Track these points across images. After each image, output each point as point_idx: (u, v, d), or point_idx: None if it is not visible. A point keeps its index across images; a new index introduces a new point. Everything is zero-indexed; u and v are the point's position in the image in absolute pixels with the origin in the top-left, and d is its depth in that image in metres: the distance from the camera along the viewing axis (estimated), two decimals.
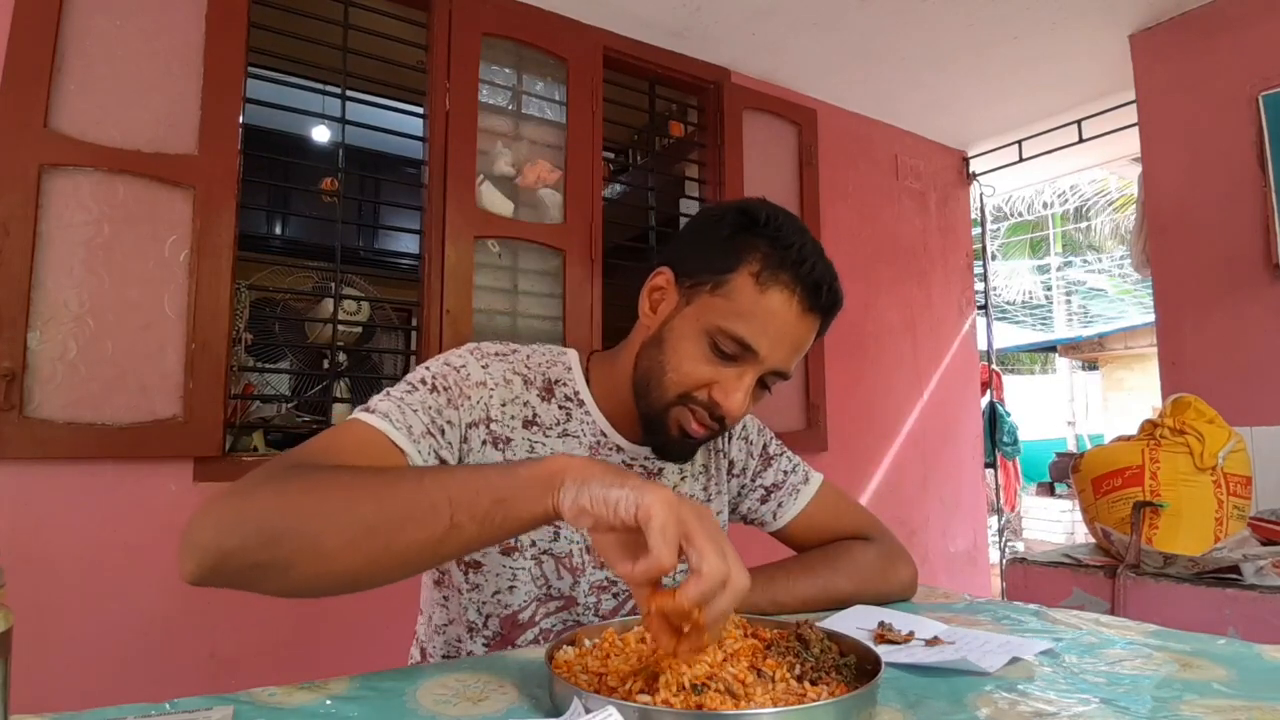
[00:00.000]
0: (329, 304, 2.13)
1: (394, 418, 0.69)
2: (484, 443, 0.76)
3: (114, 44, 1.69)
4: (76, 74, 1.64)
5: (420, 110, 2.21)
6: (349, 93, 2.06)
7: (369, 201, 3.88)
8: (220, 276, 1.74)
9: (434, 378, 0.75)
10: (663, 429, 0.76)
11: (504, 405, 0.78)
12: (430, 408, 0.72)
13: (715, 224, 0.77)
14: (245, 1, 1.84)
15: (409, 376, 0.75)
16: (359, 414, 0.69)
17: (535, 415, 0.80)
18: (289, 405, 2.31)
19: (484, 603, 0.78)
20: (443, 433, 0.72)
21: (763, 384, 0.76)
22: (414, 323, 2.22)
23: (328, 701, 0.53)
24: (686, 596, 0.46)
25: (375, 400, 0.71)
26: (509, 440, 0.77)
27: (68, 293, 1.59)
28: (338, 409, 2.17)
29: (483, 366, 0.78)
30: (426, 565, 0.56)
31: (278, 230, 4.30)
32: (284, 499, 0.55)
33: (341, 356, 2.19)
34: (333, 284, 2.11)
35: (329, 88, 2.17)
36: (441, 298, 2.05)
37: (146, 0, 1.73)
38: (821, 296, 0.73)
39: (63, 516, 1.58)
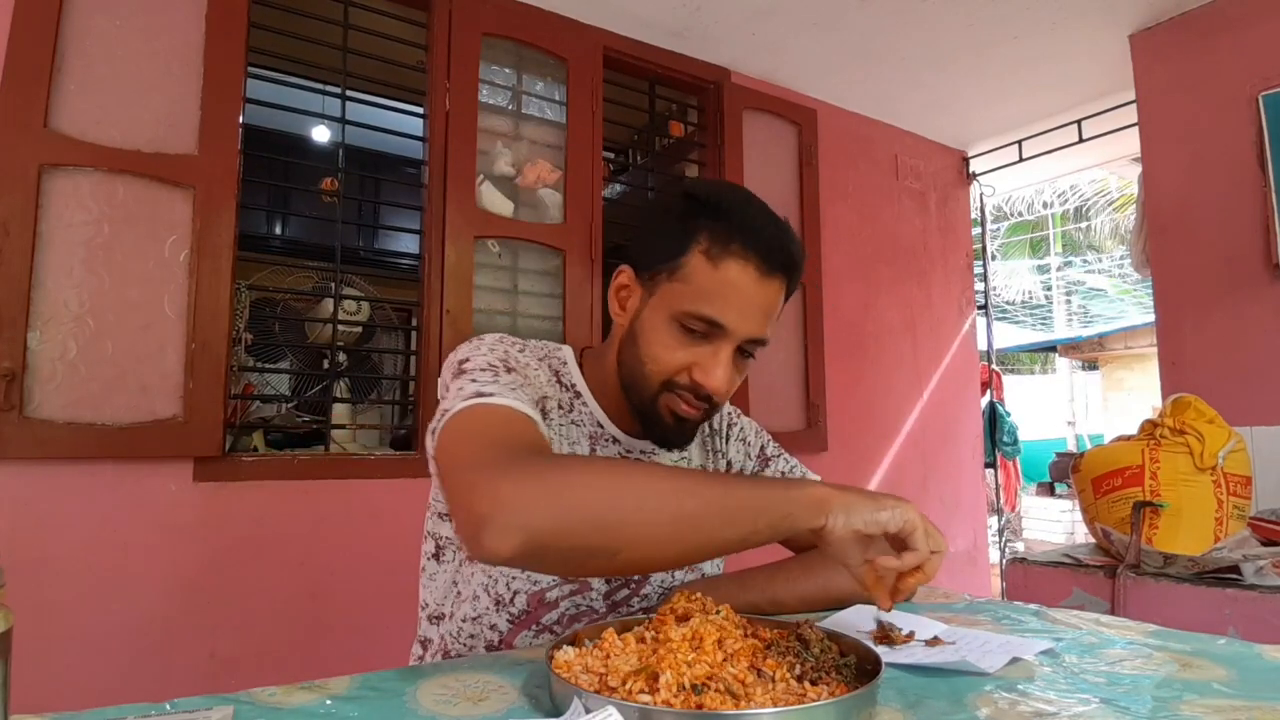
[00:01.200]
0: (329, 304, 2.13)
1: (507, 396, 0.68)
2: (544, 415, 0.78)
3: (114, 44, 1.69)
4: (76, 74, 1.64)
5: (420, 110, 2.21)
6: (349, 93, 2.06)
7: (369, 201, 3.87)
8: (220, 276, 1.74)
9: (499, 361, 0.74)
10: (657, 418, 0.78)
11: (541, 385, 0.80)
12: (517, 385, 0.72)
13: (663, 214, 0.79)
14: (245, 1, 1.84)
15: (472, 367, 0.73)
16: (476, 401, 0.67)
17: (552, 399, 0.83)
18: (289, 405, 2.31)
19: (514, 577, 0.79)
20: (536, 404, 0.74)
21: (743, 352, 0.77)
22: (414, 323, 2.22)
23: (328, 701, 0.53)
24: (909, 564, 0.61)
25: (473, 388, 0.69)
26: (547, 417, 0.80)
27: (68, 293, 1.59)
28: (338, 409, 2.17)
29: (519, 351, 0.80)
30: (723, 555, 0.65)
31: (278, 230, 4.30)
32: (606, 491, 0.58)
33: (341, 356, 2.19)
34: (333, 284, 2.11)
35: (329, 88, 2.17)
36: (441, 298, 2.05)
37: (146, 0, 1.73)
38: (777, 257, 0.74)
39: (63, 516, 1.58)
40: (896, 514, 0.61)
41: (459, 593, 0.82)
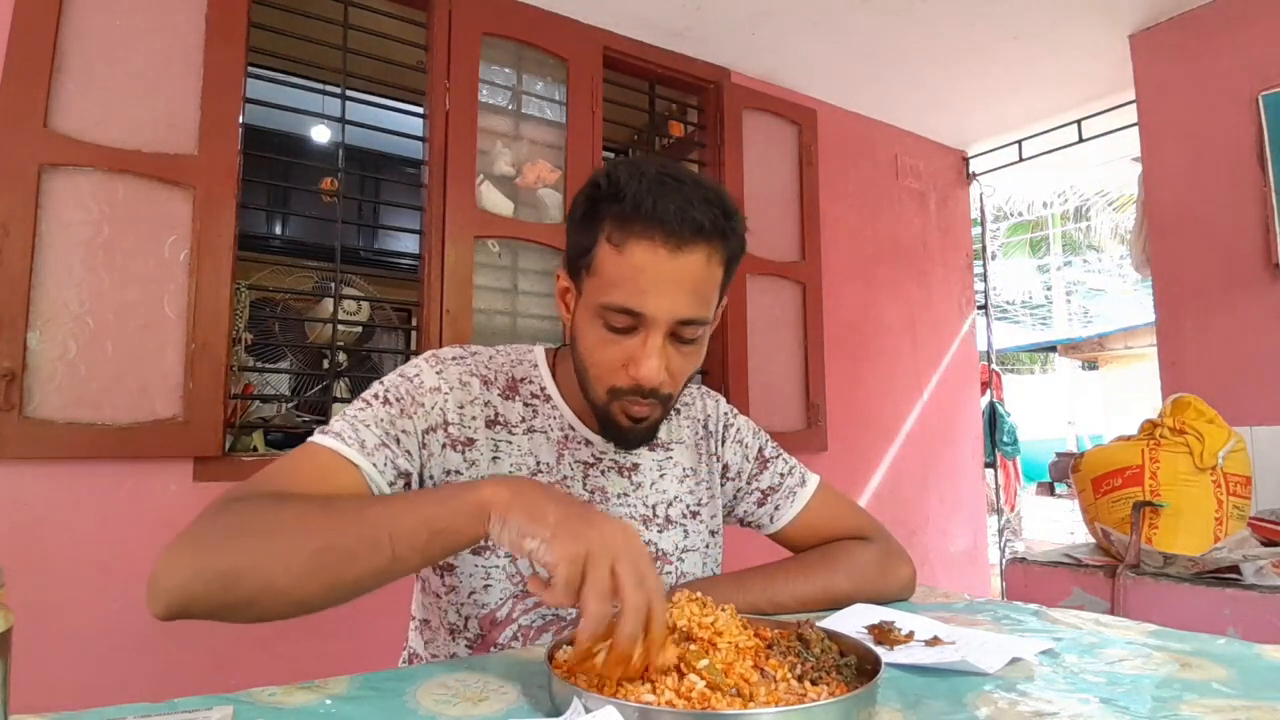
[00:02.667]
0: (329, 304, 2.13)
1: (346, 436, 0.70)
2: (444, 446, 0.76)
3: (114, 44, 1.69)
4: (76, 74, 1.64)
5: (420, 110, 2.21)
6: (349, 93, 2.06)
7: (369, 201, 3.88)
8: (220, 276, 1.74)
9: (386, 391, 0.76)
10: (613, 423, 0.76)
11: (461, 408, 0.78)
12: (382, 421, 0.73)
13: (574, 208, 0.75)
14: (245, 1, 1.84)
15: (364, 393, 0.76)
16: (315, 437, 0.71)
17: (498, 414, 0.80)
18: (289, 405, 2.31)
19: (461, 604, 0.78)
20: (398, 442, 0.73)
21: (681, 338, 0.72)
22: (414, 323, 2.22)
23: (328, 701, 0.53)
24: (580, 641, 0.51)
25: (332, 422, 0.73)
26: (472, 441, 0.77)
27: (68, 293, 1.59)
28: (337, 409, 2.17)
29: (437, 373, 0.78)
30: (377, 587, 0.60)
31: (278, 230, 4.30)
32: (236, 543, 0.58)
33: (341, 356, 2.19)
34: (333, 284, 2.11)
35: (329, 88, 2.17)
36: (441, 298, 2.05)
37: (146, 0, 1.73)
38: (687, 226, 0.67)
39: (63, 516, 1.58)
40: (542, 550, 0.53)
41: (435, 623, 0.82)
